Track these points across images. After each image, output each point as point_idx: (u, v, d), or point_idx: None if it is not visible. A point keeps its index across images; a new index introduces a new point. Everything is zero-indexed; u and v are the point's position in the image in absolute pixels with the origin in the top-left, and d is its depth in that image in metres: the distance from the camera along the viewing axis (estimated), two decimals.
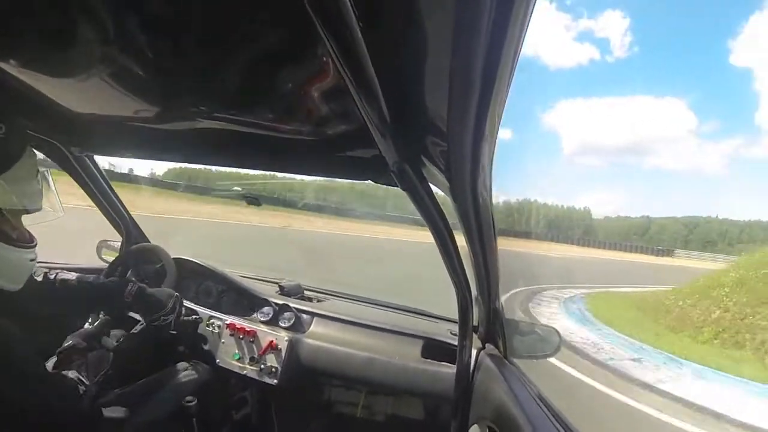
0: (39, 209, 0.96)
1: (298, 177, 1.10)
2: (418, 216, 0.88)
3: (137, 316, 1.54)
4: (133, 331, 1.34)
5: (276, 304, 1.60)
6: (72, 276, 1.24)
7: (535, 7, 0.35)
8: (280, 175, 1.15)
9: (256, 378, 1.44)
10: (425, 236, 0.98)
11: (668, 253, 31.41)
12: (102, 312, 1.40)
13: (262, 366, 1.44)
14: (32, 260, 0.97)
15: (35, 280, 1.14)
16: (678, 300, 8.91)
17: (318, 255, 10.01)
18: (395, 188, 0.82)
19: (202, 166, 1.69)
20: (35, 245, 0.98)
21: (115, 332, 1.40)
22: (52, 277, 1.20)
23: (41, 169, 0.98)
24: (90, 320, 1.43)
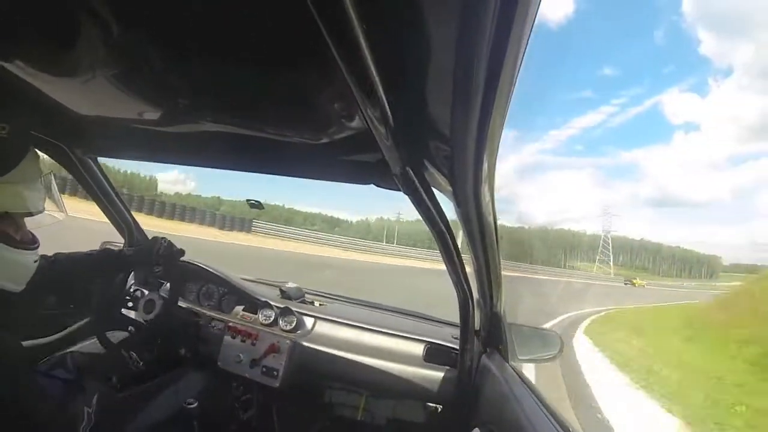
0: (42, 211, 0.96)
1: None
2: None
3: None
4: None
5: (277, 307, 1.60)
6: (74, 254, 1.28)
7: (538, 12, 0.35)
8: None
9: (258, 380, 1.44)
10: None
11: (247, 228, 27.55)
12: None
13: (264, 368, 1.44)
14: (35, 261, 0.97)
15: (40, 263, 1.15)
16: None
17: None
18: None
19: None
20: (38, 246, 0.98)
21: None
22: (51, 258, 1.22)
23: (44, 170, 0.98)
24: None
